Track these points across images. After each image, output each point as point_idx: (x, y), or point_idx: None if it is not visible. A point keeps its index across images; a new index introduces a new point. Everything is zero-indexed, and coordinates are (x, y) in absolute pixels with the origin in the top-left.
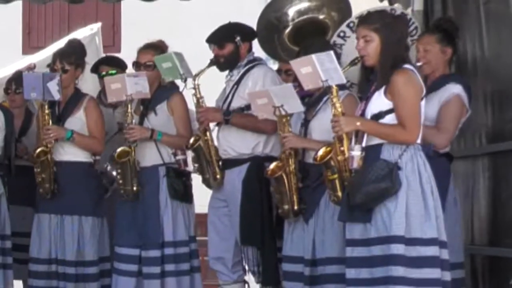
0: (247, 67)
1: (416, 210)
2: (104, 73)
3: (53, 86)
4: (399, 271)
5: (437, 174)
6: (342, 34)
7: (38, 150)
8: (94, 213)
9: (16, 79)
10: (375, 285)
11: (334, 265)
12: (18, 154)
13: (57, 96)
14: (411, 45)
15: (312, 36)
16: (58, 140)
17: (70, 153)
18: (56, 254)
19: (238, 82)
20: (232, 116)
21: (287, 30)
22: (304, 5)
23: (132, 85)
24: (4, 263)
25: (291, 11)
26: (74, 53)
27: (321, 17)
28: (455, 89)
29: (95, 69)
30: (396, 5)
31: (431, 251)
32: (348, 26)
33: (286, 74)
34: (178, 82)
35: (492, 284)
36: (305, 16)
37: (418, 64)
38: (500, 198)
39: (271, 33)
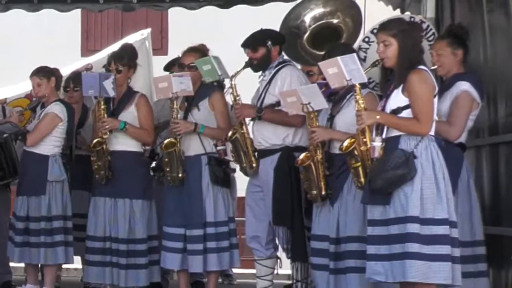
0: (277, 68)
1: (430, 194)
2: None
3: (108, 85)
4: (414, 247)
5: (450, 161)
6: (367, 40)
7: (95, 141)
8: (143, 197)
9: (74, 78)
10: (393, 260)
11: (354, 243)
12: (77, 144)
13: (111, 93)
14: (429, 49)
15: (328, 40)
16: (113, 131)
17: (123, 144)
18: (110, 233)
19: (269, 81)
20: (264, 112)
21: (306, 36)
22: (319, 10)
23: (177, 84)
24: (66, 240)
25: (308, 18)
26: (127, 56)
27: (335, 21)
28: (463, 85)
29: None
30: (406, 13)
31: (442, 230)
32: (372, 32)
33: (308, 75)
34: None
35: (495, 259)
36: (320, 22)
37: (433, 67)
38: (502, 183)
39: (293, 39)
